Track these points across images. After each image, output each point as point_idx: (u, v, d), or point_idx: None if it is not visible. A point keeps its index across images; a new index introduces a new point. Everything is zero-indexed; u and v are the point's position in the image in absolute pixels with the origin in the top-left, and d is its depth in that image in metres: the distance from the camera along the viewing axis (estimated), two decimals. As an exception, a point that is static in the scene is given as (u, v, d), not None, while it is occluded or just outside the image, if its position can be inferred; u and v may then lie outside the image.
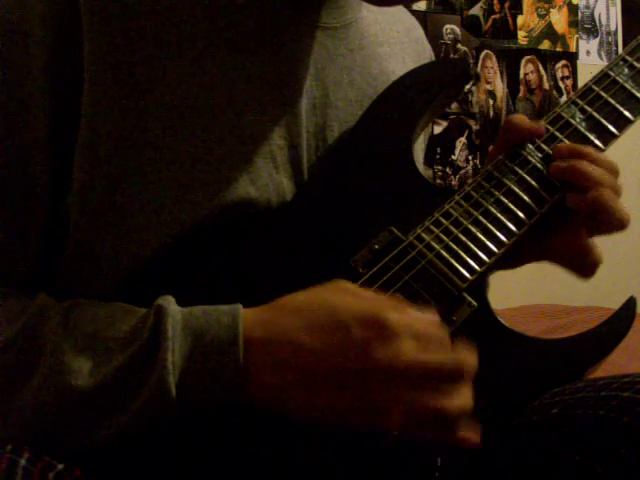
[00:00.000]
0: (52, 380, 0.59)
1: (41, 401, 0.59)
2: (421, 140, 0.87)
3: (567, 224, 0.74)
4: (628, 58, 0.78)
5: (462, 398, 0.60)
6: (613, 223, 0.71)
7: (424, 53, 0.89)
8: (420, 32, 0.90)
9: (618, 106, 0.76)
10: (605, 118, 0.75)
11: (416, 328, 0.59)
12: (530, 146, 0.74)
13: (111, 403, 0.59)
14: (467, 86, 2.34)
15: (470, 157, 2.38)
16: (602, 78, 0.77)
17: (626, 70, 0.77)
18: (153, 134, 0.65)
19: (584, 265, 0.74)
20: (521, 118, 0.75)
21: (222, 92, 0.67)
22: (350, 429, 0.60)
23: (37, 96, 0.65)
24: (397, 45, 0.83)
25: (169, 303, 0.61)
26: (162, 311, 0.60)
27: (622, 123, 0.75)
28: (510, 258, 0.75)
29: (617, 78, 0.77)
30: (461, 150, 2.37)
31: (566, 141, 0.74)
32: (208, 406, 0.59)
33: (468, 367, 0.60)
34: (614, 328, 0.69)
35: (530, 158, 0.74)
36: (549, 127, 0.75)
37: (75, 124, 0.65)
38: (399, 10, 0.88)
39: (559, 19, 2.60)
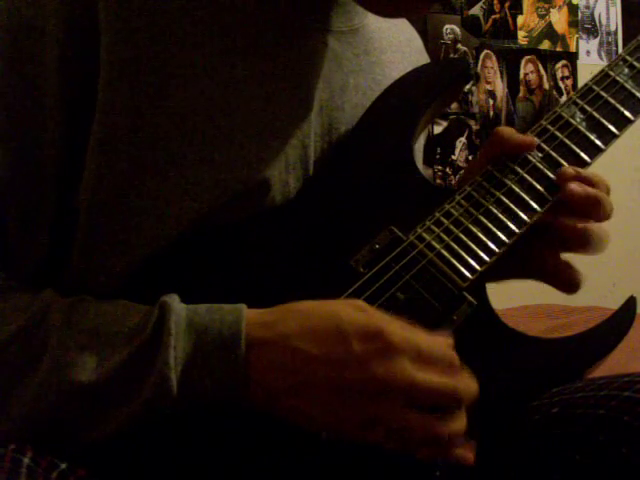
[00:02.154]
0: (55, 375, 0.59)
1: (43, 396, 0.59)
2: (421, 140, 0.87)
3: (545, 241, 0.74)
4: (628, 58, 0.78)
5: (456, 423, 0.59)
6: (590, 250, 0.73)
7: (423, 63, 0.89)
8: (420, 43, 0.91)
9: (618, 106, 0.76)
10: (605, 118, 0.75)
11: (421, 348, 0.59)
12: None
13: (112, 399, 0.59)
14: (467, 86, 2.34)
15: (470, 157, 2.38)
16: (602, 78, 0.77)
17: (626, 70, 0.77)
18: (166, 132, 0.65)
19: (566, 283, 0.74)
20: (511, 131, 0.74)
21: (236, 92, 0.67)
22: (342, 439, 0.60)
23: (50, 92, 0.65)
24: (399, 53, 0.84)
25: (173, 300, 0.61)
26: (166, 308, 0.60)
27: (622, 123, 0.75)
28: (492, 271, 0.75)
29: (617, 78, 0.77)
30: (461, 150, 2.37)
31: (566, 140, 0.75)
32: (209, 404, 0.59)
33: (467, 395, 0.60)
34: (614, 328, 0.69)
35: (530, 158, 0.74)
36: (549, 127, 0.75)
37: (88, 120, 0.65)
38: (401, 20, 0.88)
39: (559, 19, 2.60)
